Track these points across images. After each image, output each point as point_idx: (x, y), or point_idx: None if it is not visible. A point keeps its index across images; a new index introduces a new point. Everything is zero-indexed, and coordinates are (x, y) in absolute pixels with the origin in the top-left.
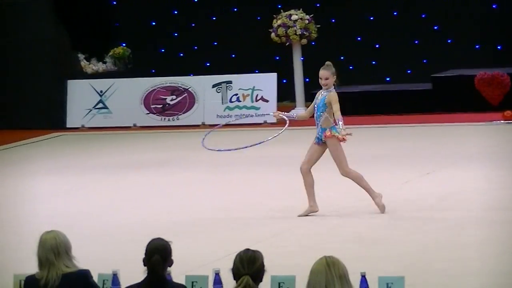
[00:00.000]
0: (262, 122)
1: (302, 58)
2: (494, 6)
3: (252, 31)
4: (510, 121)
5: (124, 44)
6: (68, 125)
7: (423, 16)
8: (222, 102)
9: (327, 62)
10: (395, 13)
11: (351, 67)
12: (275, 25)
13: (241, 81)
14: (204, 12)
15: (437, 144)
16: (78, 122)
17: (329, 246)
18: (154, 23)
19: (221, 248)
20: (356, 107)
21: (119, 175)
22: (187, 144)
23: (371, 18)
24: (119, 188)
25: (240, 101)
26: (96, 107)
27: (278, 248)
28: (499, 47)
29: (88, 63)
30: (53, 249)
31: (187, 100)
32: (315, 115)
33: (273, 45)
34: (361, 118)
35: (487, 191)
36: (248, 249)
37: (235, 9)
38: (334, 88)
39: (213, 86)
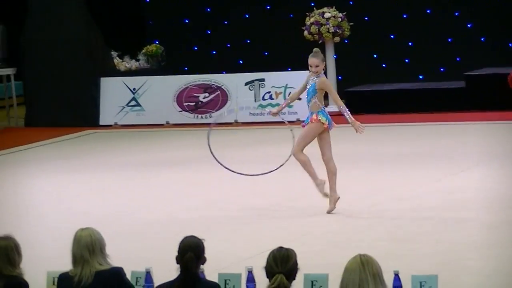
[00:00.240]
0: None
1: (335, 56)
2: None
3: (285, 29)
4: None
5: (157, 42)
6: (101, 123)
7: (457, 14)
8: (255, 99)
9: (315, 49)
10: (428, 11)
11: (384, 65)
12: (308, 22)
13: (274, 79)
14: (237, 10)
15: (470, 143)
16: (111, 119)
17: (360, 244)
18: (187, 21)
19: (253, 246)
20: (389, 105)
21: (151, 173)
22: (220, 142)
23: (405, 16)
24: (151, 186)
25: (273, 99)
26: (129, 104)
27: (310, 247)
28: None
29: (121, 60)
30: (88, 246)
31: (220, 98)
32: (306, 99)
33: (306, 43)
34: (393, 116)
35: None
36: (281, 247)
37: (268, 7)
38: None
39: (246, 83)
